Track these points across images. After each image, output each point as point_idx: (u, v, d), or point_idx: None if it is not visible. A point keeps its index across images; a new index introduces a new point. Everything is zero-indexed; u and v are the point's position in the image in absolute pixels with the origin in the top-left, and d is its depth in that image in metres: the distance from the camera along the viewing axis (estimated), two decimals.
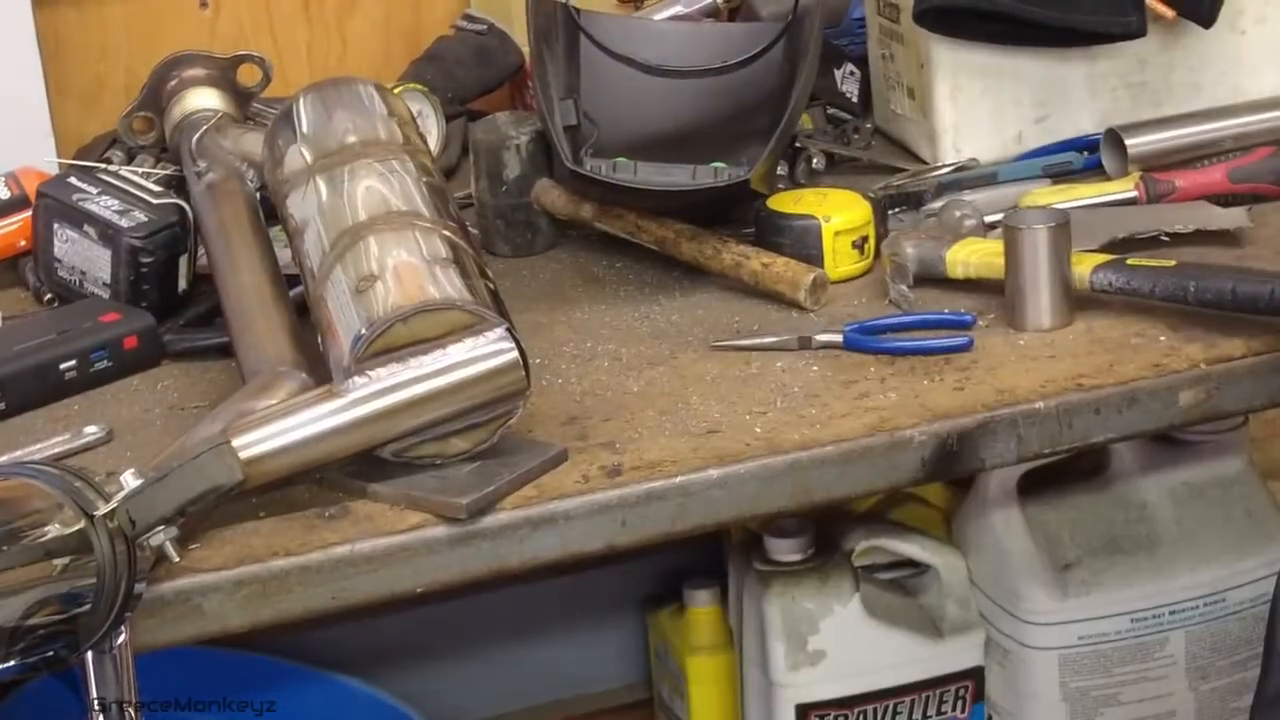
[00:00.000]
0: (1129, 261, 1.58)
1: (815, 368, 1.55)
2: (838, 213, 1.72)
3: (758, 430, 1.47)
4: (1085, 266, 1.58)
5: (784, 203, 1.74)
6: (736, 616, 2.22)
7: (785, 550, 2.15)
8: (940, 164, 1.90)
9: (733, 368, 1.56)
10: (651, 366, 1.58)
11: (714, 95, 1.85)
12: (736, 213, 1.77)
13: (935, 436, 1.46)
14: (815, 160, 1.89)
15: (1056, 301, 1.59)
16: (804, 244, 1.71)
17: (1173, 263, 1.58)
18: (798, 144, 1.87)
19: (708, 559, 2.31)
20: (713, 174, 1.75)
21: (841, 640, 2.13)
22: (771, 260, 1.68)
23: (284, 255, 1.64)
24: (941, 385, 1.51)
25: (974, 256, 1.65)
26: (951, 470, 1.49)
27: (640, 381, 1.56)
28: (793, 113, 1.76)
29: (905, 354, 1.56)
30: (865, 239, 1.72)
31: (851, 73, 2.02)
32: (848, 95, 2.02)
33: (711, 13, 2.08)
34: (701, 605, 2.30)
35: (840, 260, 1.71)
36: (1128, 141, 1.84)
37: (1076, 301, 1.60)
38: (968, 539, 2.18)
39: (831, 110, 1.99)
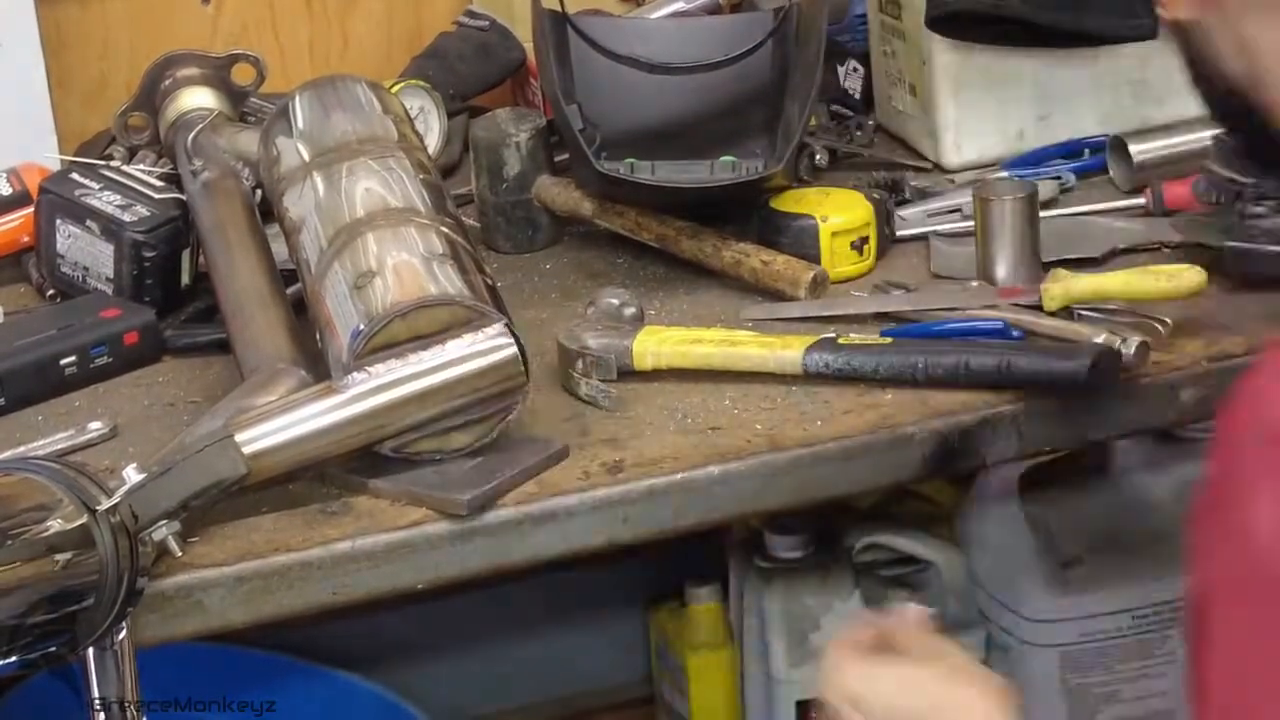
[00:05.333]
0: (840, 340, 1.51)
1: None
2: (837, 213, 1.72)
3: (759, 427, 1.47)
4: (796, 349, 1.51)
5: (786, 201, 1.74)
6: (737, 613, 2.22)
7: (786, 547, 2.15)
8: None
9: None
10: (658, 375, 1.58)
11: (709, 90, 1.85)
12: (739, 211, 1.77)
13: (936, 433, 1.46)
14: (818, 157, 1.89)
15: (1025, 268, 1.62)
16: (801, 243, 1.71)
17: (889, 340, 1.53)
18: (801, 140, 1.87)
19: (708, 556, 2.31)
20: (731, 168, 1.75)
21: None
22: (771, 258, 1.68)
23: (280, 252, 1.64)
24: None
25: (665, 346, 1.54)
26: (952, 467, 1.49)
27: (642, 377, 1.56)
28: (810, 104, 1.76)
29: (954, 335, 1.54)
30: (865, 240, 1.72)
31: (854, 69, 2.02)
32: (850, 92, 2.02)
33: (713, 9, 2.08)
34: (702, 602, 2.30)
35: (839, 260, 1.71)
36: (1133, 149, 1.83)
37: None
38: (968, 536, 2.18)
39: (834, 107, 1.99)
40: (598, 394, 1.52)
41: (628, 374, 1.54)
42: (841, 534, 2.17)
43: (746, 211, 1.76)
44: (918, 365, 1.49)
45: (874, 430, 1.46)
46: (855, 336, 1.53)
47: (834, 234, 1.71)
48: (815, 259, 1.69)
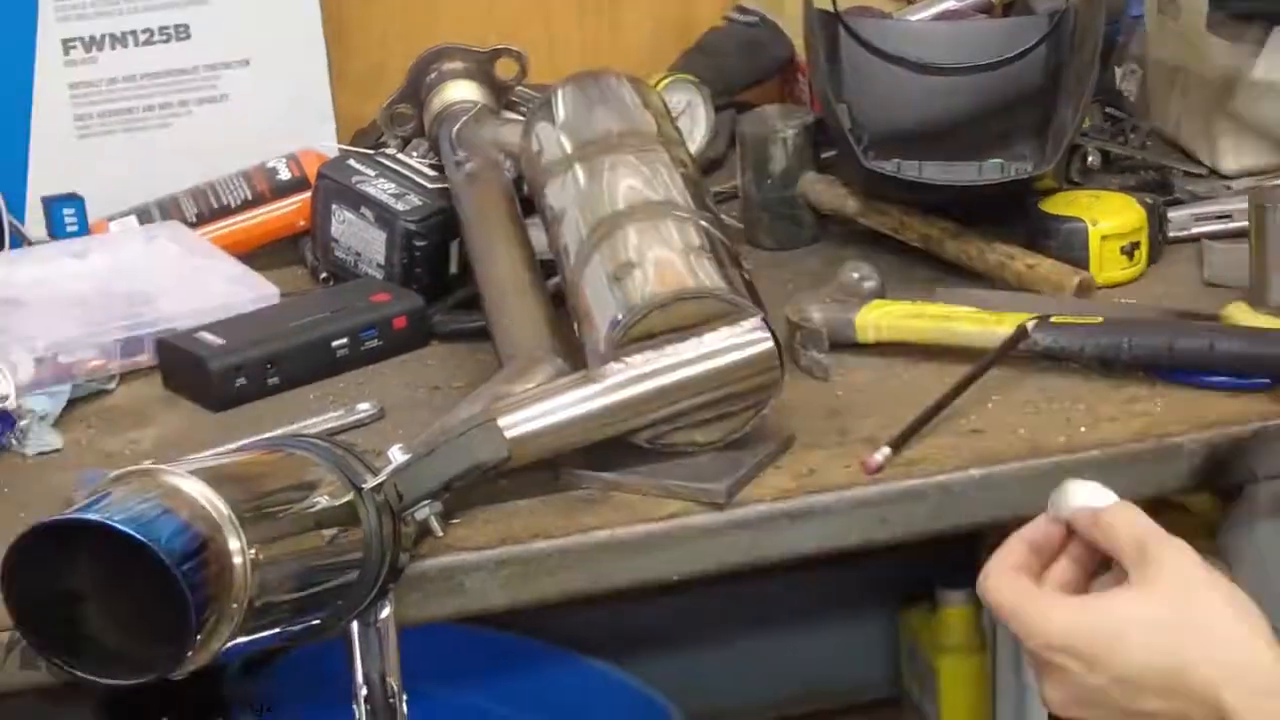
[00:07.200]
0: (1054, 319, 1.50)
1: (1081, 370, 1.53)
2: (1107, 217, 1.69)
3: (1021, 431, 1.45)
4: (1008, 326, 1.51)
5: (1055, 204, 1.72)
6: (990, 618, 2.19)
7: None
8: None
9: (997, 367, 1.54)
10: (912, 364, 1.57)
11: (979, 91, 1.84)
12: (1006, 213, 1.75)
13: (1205, 445, 1.43)
14: (1090, 158, 1.86)
15: None
16: (1070, 247, 1.68)
17: (1099, 319, 1.50)
18: (1072, 142, 1.84)
19: (961, 558, 2.29)
20: (999, 170, 1.74)
21: None
22: (1037, 261, 1.66)
23: (540, 242, 1.66)
24: (1213, 391, 1.47)
25: (885, 320, 1.57)
26: (1220, 481, 1.46)
27: (902, 378, 1.55)
28: (1084, 107, 1.73)
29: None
30: (1136, 245, 1.69)
31: (1132, 70, 1.99)
32: (1125, 94, 1.99)
33: (984, 9, 2.06)
34: (955, 606, 2.28)
35: (1107, 265, 1.68)
36: None
37: None
38: (1232, 551, 2.13)
39: (1108, 109, 1.96)
40: (813, 365, 1.54)
41: (851, 346, 1.56)
42: None
43: (1013, 214, 1.74)
44: (1123, 345, 1.47)
45: (1140, 438, 1.43)
46: (1069, 315, 1.51)
47: (1103, 238, 1.68)
48: (1083, 263, 1.67)
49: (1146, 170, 1.86)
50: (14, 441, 1.57)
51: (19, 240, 1.90)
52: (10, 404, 1.56)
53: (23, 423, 1.57)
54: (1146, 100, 1.99)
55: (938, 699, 2.28)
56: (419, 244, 1.75)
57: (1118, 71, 1.99)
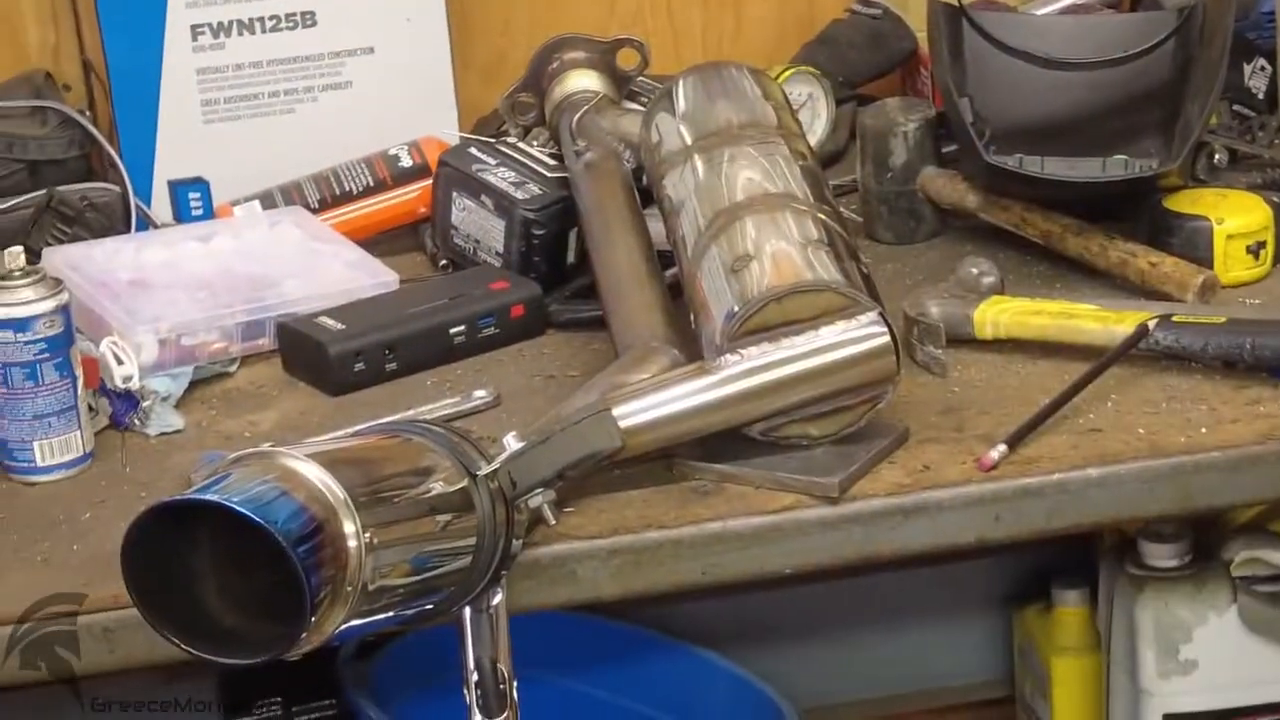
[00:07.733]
0: (1175, 318, 1.49)
1: (1203, 370, 1.51)
2: (1233, 215, 1.67)
3: (1141, 430, 1.44)
4: (1129, 325, 1.49)
5: (1180, 202, 1.70)
6: (1105, 619, 2.17)
7: (1161, 555, 2.09)
8: None
9: (1117, 366, 1.52)
10: (1030, 361, 1.56)
11: (1104, 87, 1.82)
12: (1129, 210, 1.73)
13: None
14: (1217, 156, 1.84)
15: None
16: (1193, 245, 1.66)
17: (1223, 319, 1.48)
18: (1199, 140, 1.82)
19: (1076, 558, 2.27)
20: (1123, 166, 1.72)
21: (1215, 651, 2.07)
22: (1160, 259, 1.64)
23: (657, 233, 1.66)
24: None
25: (1004, 316, 1.57)
26: None
27: (1020, 375, 1.54)
28: (1211, 104, 1.71)
29: None
30: (1262, 244, 1.67)
31: (1262, 68, 1.96)
32: (1254, 91, 1.96)
33: (1111, 3, 2.03)
34: (1070, 606, 2.26)
35: (1232, 265, 1.66)
36: None
37: None
38: None
39: (1236, 106, 1.93)
40: (930, 360, 1.53)
41: (969, 342, 1.55)
42: (1218, 545, 2.11)
43: (1136, 211, 1.72)
44: (1245, 346, 1.46)
45: (1263, 441, 1.41)
46: (1190, 315, 1.50)
47: (1229, 237, 1.66)
48: (1207, 262, 1.65)
49: (1275, 168, 1.84)
50: (137, 422, 1.60)
51: (145, 223, 1.92)
52: (134, 385, 1.59)
53: (146, 403, 1.60)
54: (1276, 97, 1.96)
55: (1050, 699, 2.26)
56: (537, 233, 1.76)
57: (1246, 68, 1.97)
